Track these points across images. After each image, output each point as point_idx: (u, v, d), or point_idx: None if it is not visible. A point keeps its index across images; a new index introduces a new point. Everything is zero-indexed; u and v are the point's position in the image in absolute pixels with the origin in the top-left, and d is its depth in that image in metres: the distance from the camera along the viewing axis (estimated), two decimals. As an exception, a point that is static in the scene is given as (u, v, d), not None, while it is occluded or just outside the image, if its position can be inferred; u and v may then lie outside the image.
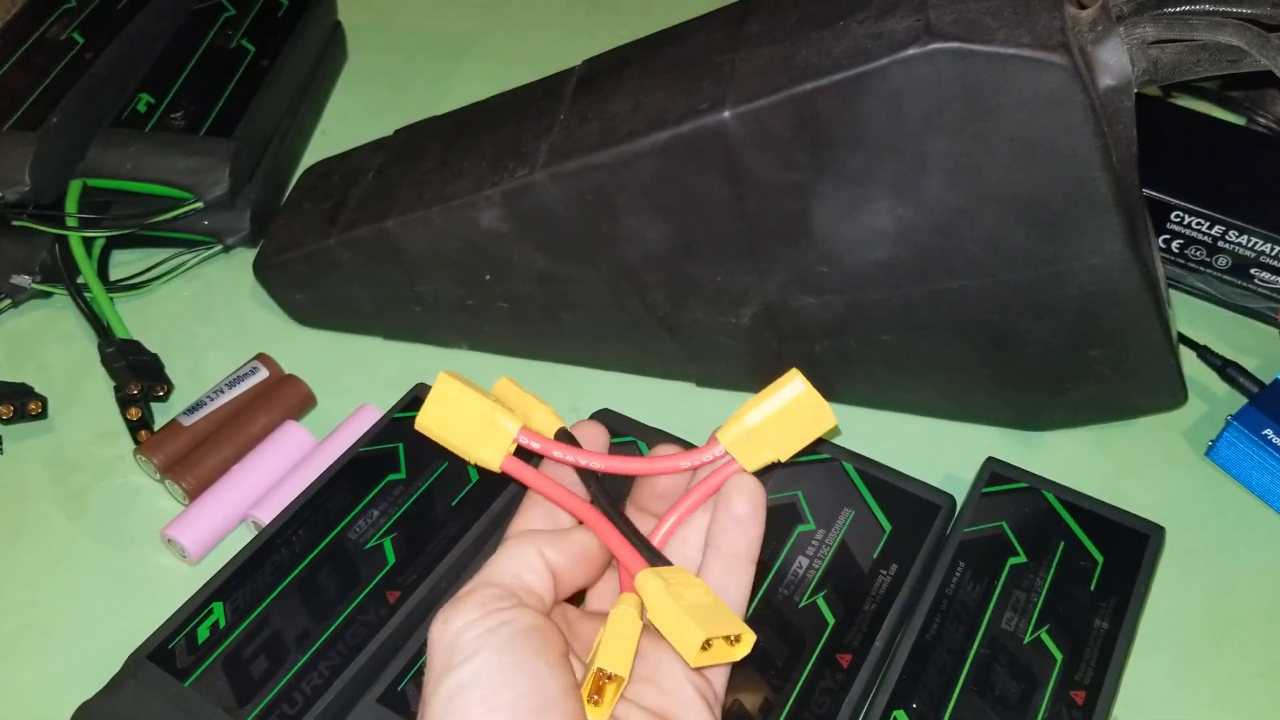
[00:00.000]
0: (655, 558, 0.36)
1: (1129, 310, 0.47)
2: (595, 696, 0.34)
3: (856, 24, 0.44)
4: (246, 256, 0.63)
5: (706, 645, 0.33)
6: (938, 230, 0.46)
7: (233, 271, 0.64)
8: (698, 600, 0.35)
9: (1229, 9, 0.44)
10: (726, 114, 0.45)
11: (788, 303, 0.51)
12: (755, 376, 0.56)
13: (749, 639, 0.34)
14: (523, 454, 0.38)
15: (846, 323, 0.51)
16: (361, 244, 0.55)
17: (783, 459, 0.38)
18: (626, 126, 0.48)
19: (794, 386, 0.37)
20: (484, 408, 0.39)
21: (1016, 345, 0.50)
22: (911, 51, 0.41)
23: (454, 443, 0.39)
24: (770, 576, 0.45)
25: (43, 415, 0.54)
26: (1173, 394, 0.51)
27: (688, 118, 0.46)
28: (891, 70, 0.42)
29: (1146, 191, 0.59)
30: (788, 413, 0.37)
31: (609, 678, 0.34)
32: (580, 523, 0.38)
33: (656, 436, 0.51)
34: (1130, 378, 0.51)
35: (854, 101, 0.43)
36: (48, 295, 0.61)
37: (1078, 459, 0.54)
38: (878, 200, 0.46)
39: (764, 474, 0.38)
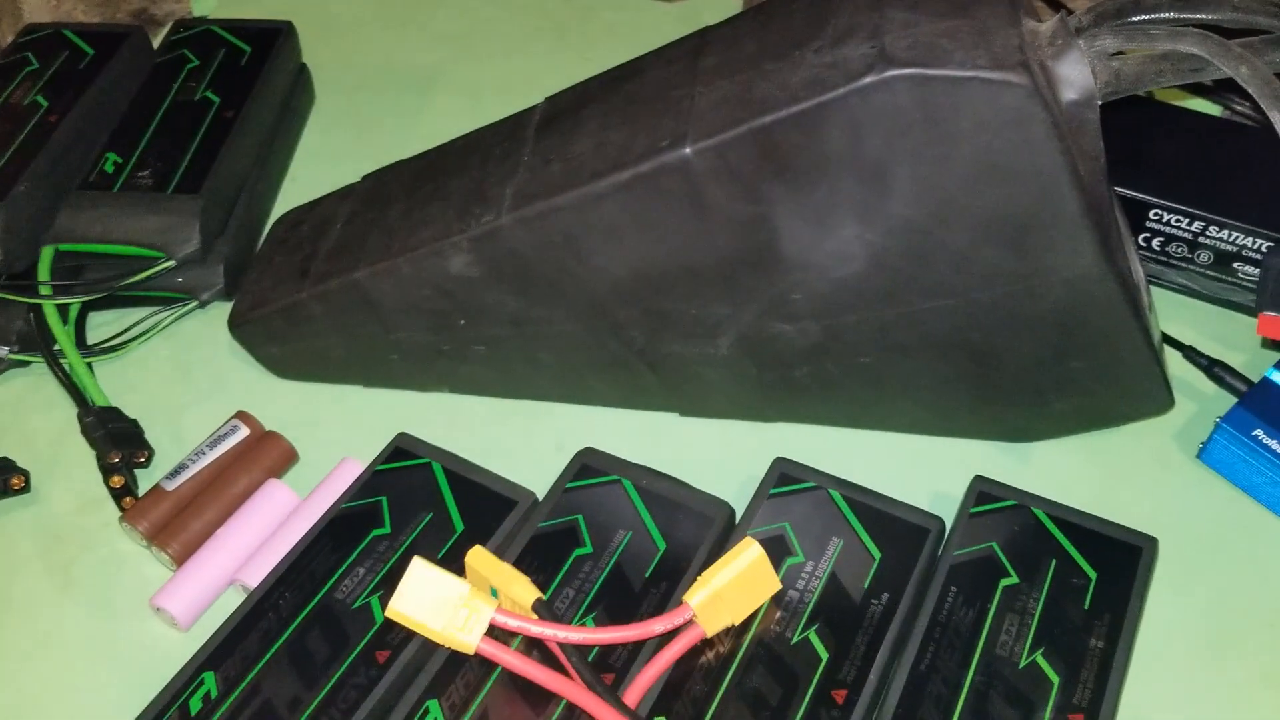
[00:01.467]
0: None
1: (1107, 320, 0.47)
2: None
3: (812, 54, 0.44)
4: (223, 310, 0.63)
5: None
6: (908, 253, 0.46)
7: (209, 326, 0.63)
8: None
9: (1188, 16, 0.43)
10: (688, 150, 0.45)
11: (764, 331, 0.50)
12: (737, 404, 0.56)
13: None
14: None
15: (824, 347, 0.50)
16: (333, 296, 0.55)
17: (736, 622, 0.44)
18: (589, 167, 0.48)
19: (752, 550, 0.43)
20: (458, 592, 0.40)
21: (996, 361, 0.50)
22: (868, 80, 0.41)
23: (428, 629, 0.41)
24: (761, 614, 0.45)
25: (25, 489, 0.54)
26: (1159, 400, 0.51)
27: (649, 155, 0.46)
28: (850, 100, 0.42)
29: (1124, 191, 0.59)
30: (746, 576, 0.43)
31: None
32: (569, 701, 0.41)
33: (641, 474, 0.51)
34: (1114, 386, 0.50)
35: (814, 132, 0.43)
36: (26, 364, 0.61)
37: (1068, 469, 0.54)
38: (845, 227, 0.45)
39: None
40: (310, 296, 0.56)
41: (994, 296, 0.47)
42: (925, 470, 0.54)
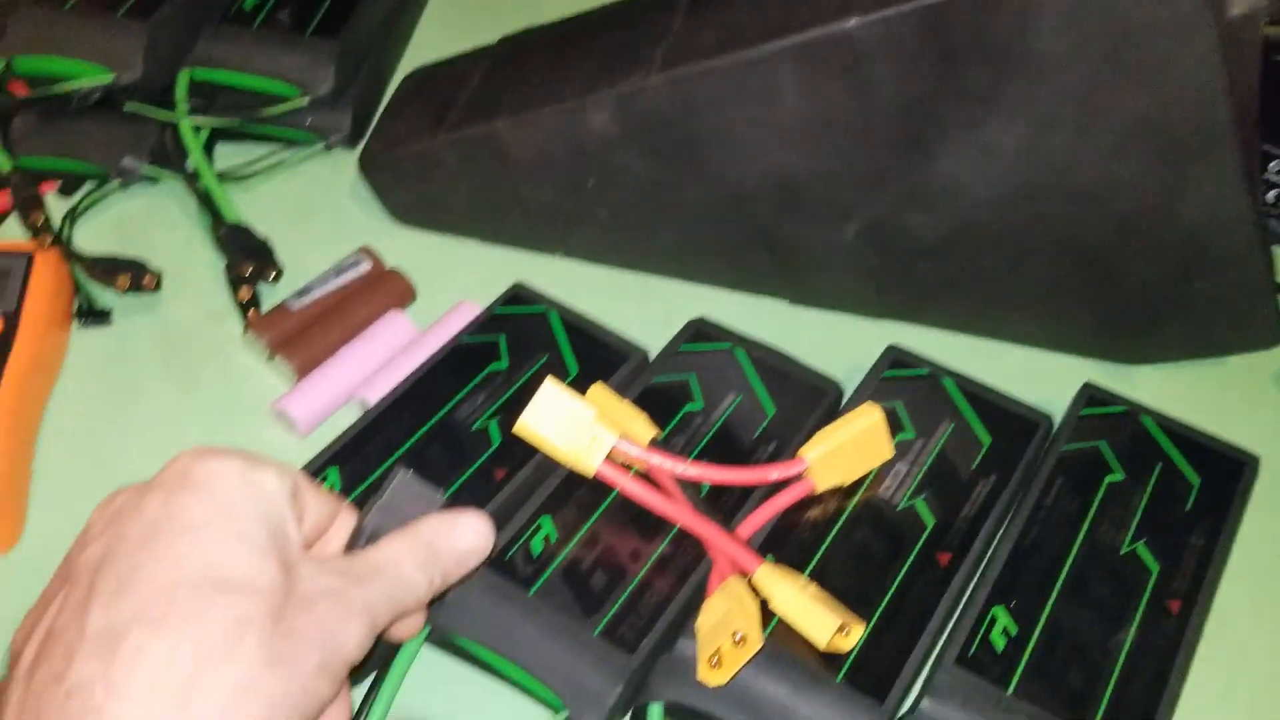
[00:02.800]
0: (759, 557, 0.41)
1: (1236, 246, 0.48)
2: (715, 659, 0.39)
3: (993, -64, 0.44)
4: (345, 157, 0.64)
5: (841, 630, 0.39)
6: (1056, 152, 0.46)
7: (333, 170, 0.64)
8: (816, 594, 0.40)
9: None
10: (853, 22, 0.45)
11: (895, 220, 0.51)
12: (851, 295, 0.57)
13: (858, 629, 0.40)
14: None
15: (952, 243, 0.51)
16: (468, 144, 0.56)
17: (846, 483, 0.46)
18: (747, 32, 0.49)
19: (872, 414, 0.45)
20: (584, 416, 0.42)
21: (1120, 276, 0.50)
22: (1048, -35, 0.42)
23: (555, 447, 0.43)
24: (870, 479, 0.46)
25: (157, 289, 0.55)
26: (1269, 334, 0.52)
27: (812, 24, 0.46)
28: (1026, -16, 0.42)
29: (1247, 139, 0.59)
30: (863, 438, 0.45)
31: (742, 640, 0.38)
32: (682, 527, 0.43)
33: (753, 345, 0.52)
34: (1230, 314, 0.51)
35: (985, 15, 0.43)
36: (154, 181, 0.62)
37: (1171, 394, 0.54)
38: (1000, 118, 0.46)
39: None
40: (445, 142, 0.57)
41: (1132, 208, 0.47)
42: (1031, 381, 0.54)
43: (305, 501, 0.34)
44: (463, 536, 0.35)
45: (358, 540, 0.35)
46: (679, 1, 0.55)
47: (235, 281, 0.55)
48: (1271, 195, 0.61)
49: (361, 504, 0.36)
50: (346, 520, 0.36)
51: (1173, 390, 0.55)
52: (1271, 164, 0.60)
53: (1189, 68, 0.43)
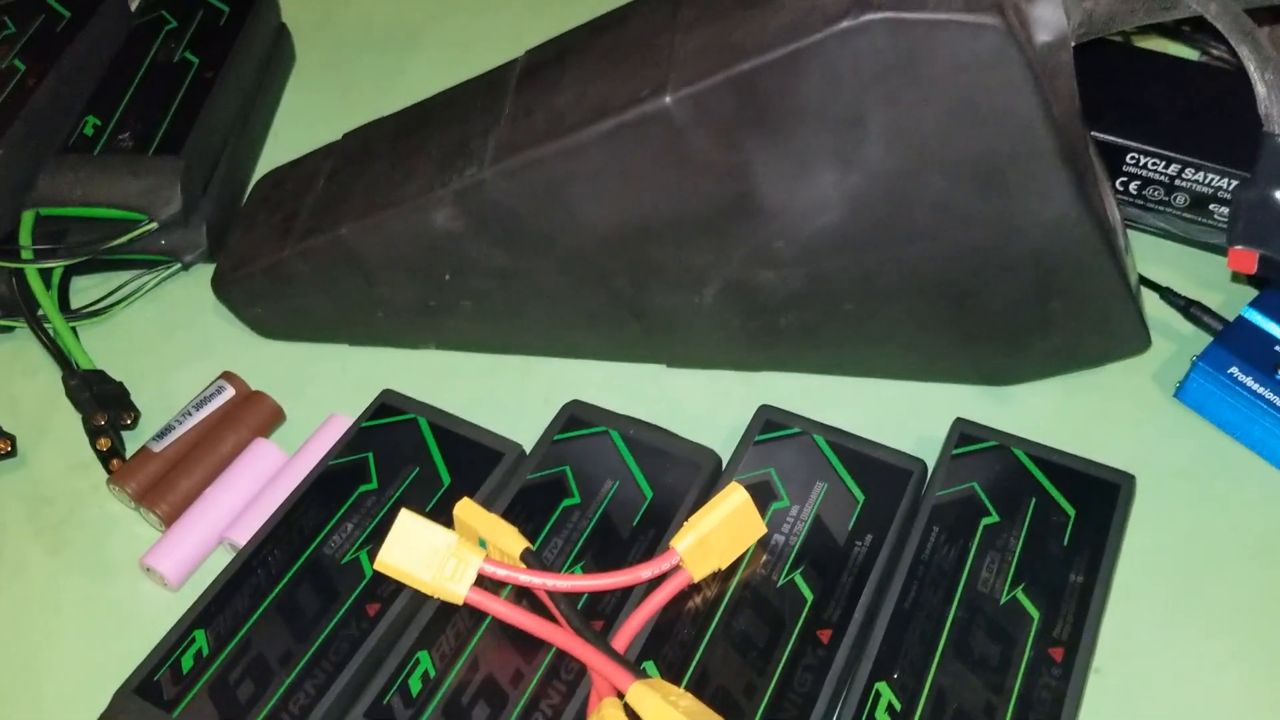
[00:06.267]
0: (636, 671, 0.40)
1: (1084, 260, 0.47)
2: None
3: (789, -1, 0.44)
4: (206, 272, 0.63)
5: None
6: (888, 197, 0.46)
7: (193, 288, 0.63)
8: (690, 707, 0.39)
9: (1160, -46, 0.44)
10: (668, 99, 0.45)
11: (748, 279, 0.51)
12: (723, 353, 0.56)
13: None
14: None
15: (808, 294, 0.51)
16: (317, 253, 0.55)
17: (723, 566, 0.45)
18: (571, 117, 0.48)
19: (737, 495, 0.44)
20: (445, 543, 0.41)
21: (978, 304, 0.50)
22: (845, 24, 0.41)
23: (417, 580, 0.42)
24: (748, 557, 0.45)
25: (12, 454, 0.54)
26: (1136, 339, 0.52)
27: (630, 105, 0.46)
28: (827, 44, 0.42)
29: (1100, 135, 0.59)
30: (732, 520, 0.44)
31: None
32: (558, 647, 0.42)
33: (628, 424, 0.51)
34: (1093, 326, 0.51)
35: (793, 78, 0.43)
36: (9, 329, 0.61)
37: (1048, 410, 0.54)
38: (825, 173, 0.45)
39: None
40: (293, 254, 0.56)
41: (973, 239, 0.47)
42: (909, 415, 0.54)
43: None
44: None
45: None
46: (508, 84, 0.54)
47: (92, 432, 0.54)
48: (1133, 187, 0.61)
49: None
50: None
51: (1056, 406, 0.55)
52: (1129, 156, 0.60)
53: (1003, 99, 0.42)
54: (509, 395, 0.57)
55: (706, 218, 0.48)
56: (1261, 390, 0.51)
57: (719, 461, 0.50)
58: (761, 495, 0.47)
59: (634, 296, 0.53)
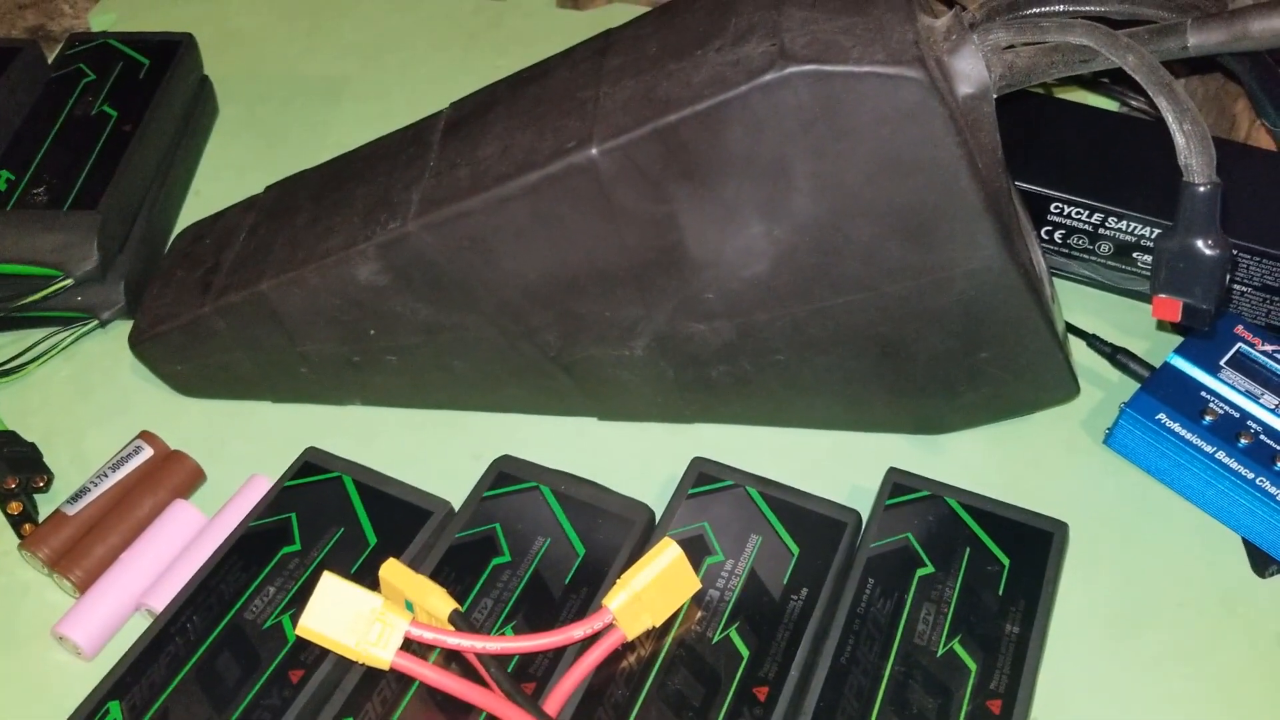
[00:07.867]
0: None
1: (1011, 310, 0.48)
2: None
3: (714, 52, 0.44)
4: (125, 329, 0.61)
5: None
6: (815, 249, 0.46)
7: (111, 346, 0.62)
8: None
9: (1077, 8, 0.44)
10: (594, 151, 0.45)
11: (678, 331, 0.50)
12: (655, 405, 0.56)
13: None
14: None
15: (738, 346, 0.50)
16: (237, 310, 0.54)
17: (658, 624, 0.44)
18: (496, 170, 0.47)
19: (670, 551, 0.43)
20: (370, 606, 0.40)
21: (907, 354, 0.50)
22: (769, 77, 0.41)
23: (341, 645, 0.41)
24: (682, 614, 0.45)
25: (-84, 521, 0.52)
26: (1064, 387, 0.52)
27: (556, 157, 0.46)
28: (751, 97, 0.42)
29: (1026, 186, 0.60)
30: (665, 577, 0.43)
31: None
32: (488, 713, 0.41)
33: (558, 480, 0.50)
34: (1021, 375, 0.51)
35: (717, 130, 0.43)
36: (-83, 391, 0.58)
37: (980, 458, 0.54)
38: (752, 224, 0.45)
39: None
40: (213, 311, 0.54)
41: (901, 290, 0.47)
42: (842, 465, 0.54)
43: None
44: None
45: None
46: (433, 137, 0.53)
47: (3, 496, 0.52)
48: (1058, 236, 0.61)
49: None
50: None
51: (987, 454, 0.55)
52: (1053, 205, 0.60)
53: (926, 150, 0.43)
54: (437, 451, 0.56)
55: (635, 270, 0.48)
56: (1189, 436, 0.51)
57: (652, 516, 0.49)
58: (695, 550, 0.47)
59: (562, 350, 0.52)
